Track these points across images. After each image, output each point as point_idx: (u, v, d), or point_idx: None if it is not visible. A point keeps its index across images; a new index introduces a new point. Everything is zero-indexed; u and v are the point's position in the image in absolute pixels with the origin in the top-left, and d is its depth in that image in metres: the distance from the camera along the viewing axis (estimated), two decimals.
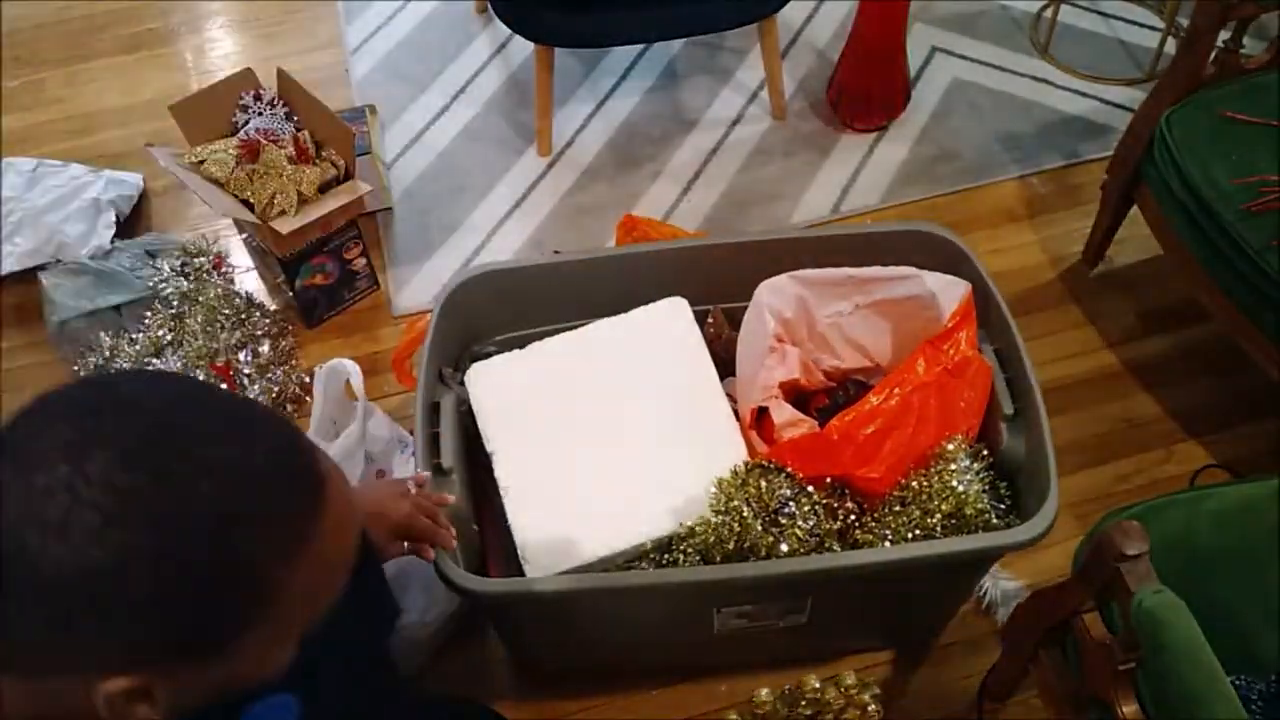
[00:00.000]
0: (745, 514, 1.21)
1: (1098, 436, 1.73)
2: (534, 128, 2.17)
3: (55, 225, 1.93)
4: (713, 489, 1.25)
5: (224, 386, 0.53)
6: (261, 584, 0.56)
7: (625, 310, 1.42)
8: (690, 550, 1.23)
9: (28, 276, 1.92)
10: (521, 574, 1.24)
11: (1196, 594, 0.95)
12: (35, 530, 0.50)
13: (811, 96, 2.27)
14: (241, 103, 1.79)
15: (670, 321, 1.41)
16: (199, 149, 1.75)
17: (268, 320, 1.85)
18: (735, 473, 1.26)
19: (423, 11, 2.48)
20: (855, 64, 2.11)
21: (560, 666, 1.49)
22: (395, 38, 2.43)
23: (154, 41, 2.49)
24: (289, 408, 1.80)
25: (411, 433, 1.44)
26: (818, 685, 0.79)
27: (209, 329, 1.75)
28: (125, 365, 1.71)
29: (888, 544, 1.23)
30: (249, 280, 1.99)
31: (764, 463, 1.26)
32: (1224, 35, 1.58)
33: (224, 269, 1.89)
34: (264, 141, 1.71)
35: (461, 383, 1.37)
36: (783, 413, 1.32)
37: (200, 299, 1.78)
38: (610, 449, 1.31)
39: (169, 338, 1.75)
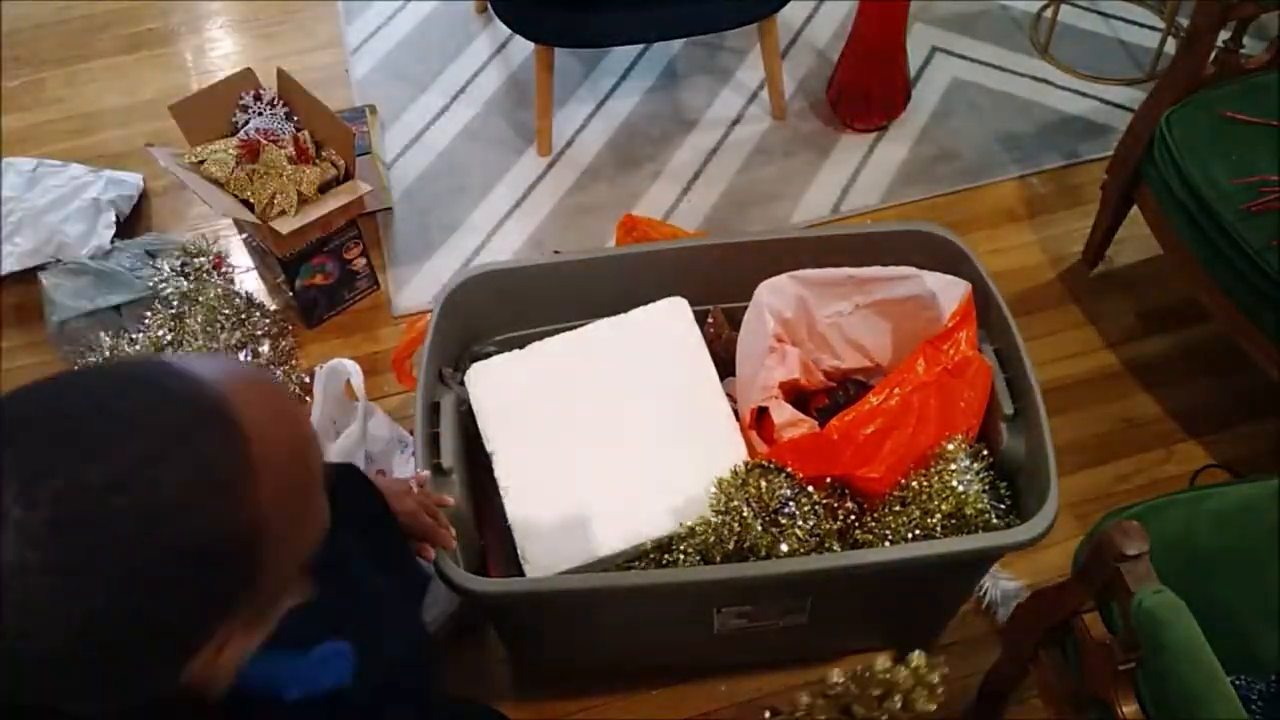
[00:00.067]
0: (745, 514, 1.21)
1: (1098, 436, 1.73)
2: (534, 128, 2.17)
3: (55, 225, 1.93)
4: (713, 489, 1.25)
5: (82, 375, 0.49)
6: (231, 537, 0.54)
7: (625, 310, 1.42)
8: (690, 550, 1.23)
9: (28, 276, 1.92)
10: (521, 574, 1.24)
11: (1196, 594, 0.95)
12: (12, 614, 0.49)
13: (811, 96, 2.27)
14: (241, 103, 1.79)
15: (670, 321, 1.41)
16: (199, 149, 1.75)
17: (268, 320, 1.85)
18: (735, 473, 1.26)
19: (423, 11, 2.48)
20: (855, 64, 2.11)
21: (560, 667, 1.49)
22: (395, 38, 2.43)
23: (154, 41, 2.49)
24: None
25: (411, 433, 1.44)
26: (888, 665, 0.80)
27: (209, 329, 1.75)
28: None
29: (888, 544, 1.23)
30: (249, 280, 1.99)
31: (764, 463, 1.26)
32: (1224, 35, 1.58)
33: (224, 269, 1.89)
34: (264, 141, 1.71)
35: (461, 383, 1.37)
36: (783, 413, 1.32)
37: (200, 299, 1.78)
38: (610, 449, 1.31)
39: (169, 338, 1.75)
